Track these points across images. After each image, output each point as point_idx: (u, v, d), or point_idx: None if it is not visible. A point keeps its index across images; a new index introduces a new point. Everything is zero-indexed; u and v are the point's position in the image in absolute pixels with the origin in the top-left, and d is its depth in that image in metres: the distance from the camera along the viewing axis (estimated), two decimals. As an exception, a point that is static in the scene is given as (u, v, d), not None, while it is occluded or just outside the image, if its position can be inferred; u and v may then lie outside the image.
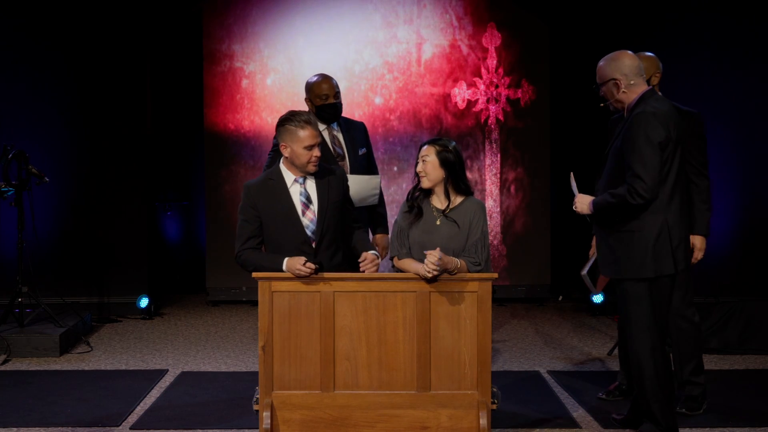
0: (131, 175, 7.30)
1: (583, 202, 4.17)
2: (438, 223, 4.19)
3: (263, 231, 4.26)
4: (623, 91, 4.11)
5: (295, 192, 4.27)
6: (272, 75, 7.63)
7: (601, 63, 4.18)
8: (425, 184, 4.18)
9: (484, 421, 4.01)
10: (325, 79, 4.92)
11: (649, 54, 4.73)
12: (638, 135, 3.97)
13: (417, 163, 4.21)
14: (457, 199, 4.21)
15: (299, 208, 4.25)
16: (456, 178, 4.18)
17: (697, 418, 4.67)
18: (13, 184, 6.13)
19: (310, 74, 7.54)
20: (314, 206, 4.26)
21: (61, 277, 7.10)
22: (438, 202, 4.23)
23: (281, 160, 4.31)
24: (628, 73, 4.10)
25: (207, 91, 7.65)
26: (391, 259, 4.27)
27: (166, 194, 8.11)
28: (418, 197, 4.23)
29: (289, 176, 4.28)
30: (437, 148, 4.16)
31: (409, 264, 4.13)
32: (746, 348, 6.09)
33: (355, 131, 5.05)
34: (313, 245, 4.25)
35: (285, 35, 7.61)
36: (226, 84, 7.64)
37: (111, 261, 7.27)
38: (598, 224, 4.21)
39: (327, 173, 4.33)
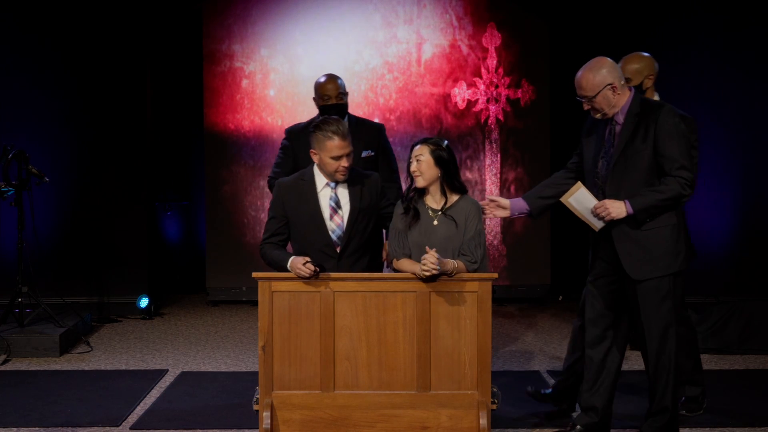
0: (131, 175, 7.30)
1: (618, 207, 4.02)
2: (435, 223, 4.19)
3: (291, 230, 4.29)
4: (618, 94, 4.08)
5: (325, 196, 4.28)
6: (272, 75, 7.63)
7: (587, 75, 4.05)
8: (420, 183, 4.17)
9: (484, 421, 4.01)
10: (329, 79, 4.92)
11: (645, 54, 4.63)
12: (675, 128, 4.01)
13: (410, 163, 4.19)
14: (453, 198, 4.21)
15: (327, 212, 4.26)
16: (451, 176, 4.18)
17: (697, 418, 4.67)
18: (13, 184, 6.14)
19: (309, 74, 7.65)
20: (343, 212, 4.26)
21: (61, 277, 7.10)
22: (433, 201, 4.22)
23: (316, 164, 4.32)
24: (619, 76, 4.08)
25: (207, 91, 7.65)
26: (390, 261, 4.27)
27: (166, 194, 8.11)
28: (413, 198, 4.22)
29: (320, 179, 4.29)
30: (431, 147, 4.16)
31: (407, 265, 4.13)
32: (746, 348, 6.09)
33: (365, 133, 4.98)
34: (337, 249, 4.25)
35: (285, 35, 7.61)
36: (226, 84, 7.64)
37: (111, 261, 7.27)
38: (626, 226, 4.07)
39: (361, 179, 4.33)
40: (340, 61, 7.58)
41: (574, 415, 4.56)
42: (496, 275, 4.08)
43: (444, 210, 4.19)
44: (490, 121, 7.68)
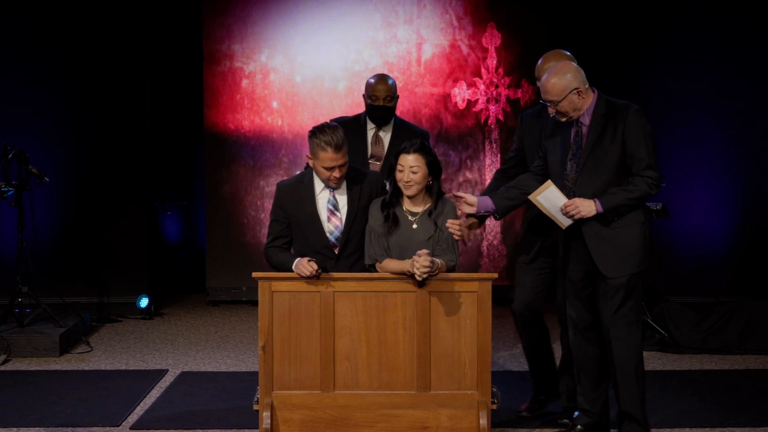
0: (131, 175, 7.30)
1: (588, 205, 4.07)
2: (415, 226, 4.17)
3: (292, 231, 4.29)
4: (583, 98, 4.10)
5: (324, 198, 4.27)
6: (272, 75, 7.63)
7: (553, 80, 4.07)
8: (413, 192, 4.14)
9: (484, 421, 4.01)
10: (379, 80, 4.90)
11: (566, 53, 4.54)
12: (642, 128, 4.07)
13: (398, 171, 4.14)
14: (433, 199, 4.21)
15: (324, 214, 4.25)
16: (438, 181, 4.19)
17: (696, 418, 4.67)
18: (13, 184, 6.13)
19: (310, 74, 7.68)
20: (341, 214, 4.25)
21: (61, 277, 7.10)
22: (413, 205, 4.19)
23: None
24: (583, 80, 4.11)
25: (207, 91, 7.65)
26: (370, 265, 4.21)
27: (166, 194, 8.10)
28: (392, 204, 4.20)
29: (319, 182, 4.28)
30: (425, 156, 4.13)
31: (394, 265, 4.09)
32: (746, 348, 6.09)
33: (407, 137, 4.78)
34: (336, 251, 4.25)
35: (285, 35, 7.61)
36: (226, 84, 7.64)
37: (111, 261, 7.27)
38: (596, 225, 4.11)
39: (360, 178, 4.31)
40: (340, 61, 7.58)
41: (575, 414, 4.56)
42: (496, 275, 4.08)
43: (426, 213, 4.17)
44: (490, 121, 7.67)
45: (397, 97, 4.95)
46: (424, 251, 3.96)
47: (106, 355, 6.08)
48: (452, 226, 4.12)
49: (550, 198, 4.14)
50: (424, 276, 3.97)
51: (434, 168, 4.16)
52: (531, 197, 4.18)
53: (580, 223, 4.12)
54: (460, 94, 7.62)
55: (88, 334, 6.58)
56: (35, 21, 7.12)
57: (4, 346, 5.92)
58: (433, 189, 4.18)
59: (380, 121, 4.89)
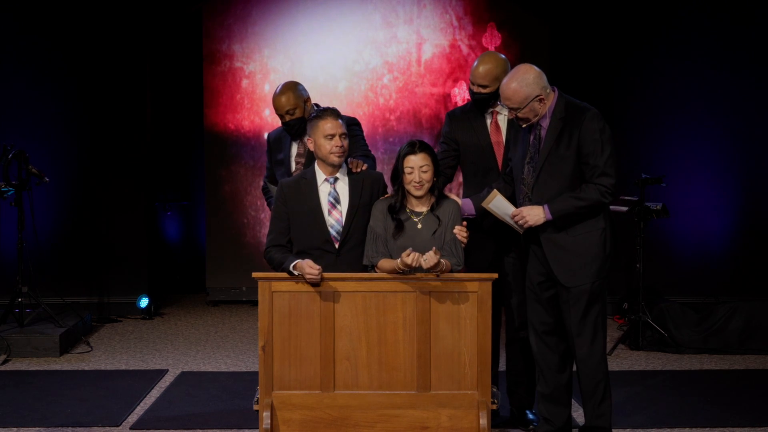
0: (131, 175, 7.30)
1: (535, 213, 4.01)
2: (419, 226, 4.15)
3: (291, 227, 4.27)
4: (544, 103, 4.01)
5: (324, 191, 4.25)
6: (272, 75, 7.63)
7: (514, 86, 3.96)
8: (423, 191, 4.11)
9: (484, 421, 4.00)
10: (281, 92, 4.58)
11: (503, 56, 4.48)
12: (599, 134, 3.96)
13: (407, 174, 4.09)
14: (435, 197, 4.18)
15: (326, 207, 4.24)
16: (439, 177, 4.17)
17: (696, 418, 4.67)
18: (13, 184, 6.14)
19: (310, 74, 7.67)
20: (342, 207, 4.24)
21: (61, 277, 7.10)
22: (419, 205, 4.16)
23: (316, 160, 4.29)
24: (544, 85, 4.01)
25: (207, 91, 7.65)
26: (367, 266, 4.18)
27: (166, 194, 8.11)
28: (400, 209, 4.17)
29: (320, 176, 4.27)
30: (432, 154, 4.10)
31: (387, 264, 4.07)
32: (746, 348, 6.09)
33: None
34: (336, 245, 4.24)
35: (285, 35, 7.61)
36: (226, 84, 7.64)
37: (111, 261, 7.27)
38: (553, 232, 4.05)
39: (363, 176, 4.30)
40: (340, 61, 7.58)
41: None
42: (496, 275, 4.07)
43: (431, 211, 4.15)
44: (490, 121, 7.67)
45: (306, 100, 4.59)
46: (434, 251, 3.92)
47: (106, 355, 6.09)
48: (460, 233, 4.11)
49: (500, 206, 4.13)
50: (430, 265, 3.91)
51: (438, 163, 4.15)
52: (483, 204, 4.15)
53: (537, 228, 4.06)
54: (460, 94, 7.62)
55: (88, 334, 6.58)
56: (35, 21, 7.12)
57: (4, 346, 5.92)
58: (436, 185, 4.17)
59: (293, 136, 4.65)
